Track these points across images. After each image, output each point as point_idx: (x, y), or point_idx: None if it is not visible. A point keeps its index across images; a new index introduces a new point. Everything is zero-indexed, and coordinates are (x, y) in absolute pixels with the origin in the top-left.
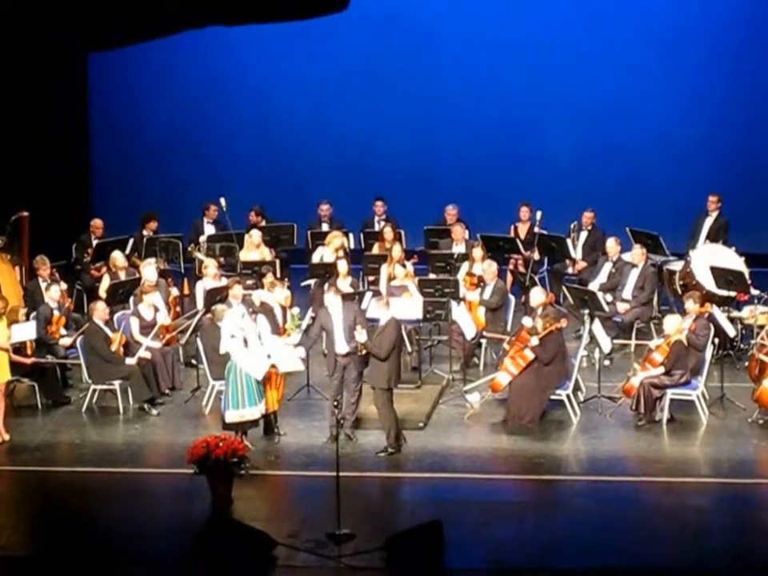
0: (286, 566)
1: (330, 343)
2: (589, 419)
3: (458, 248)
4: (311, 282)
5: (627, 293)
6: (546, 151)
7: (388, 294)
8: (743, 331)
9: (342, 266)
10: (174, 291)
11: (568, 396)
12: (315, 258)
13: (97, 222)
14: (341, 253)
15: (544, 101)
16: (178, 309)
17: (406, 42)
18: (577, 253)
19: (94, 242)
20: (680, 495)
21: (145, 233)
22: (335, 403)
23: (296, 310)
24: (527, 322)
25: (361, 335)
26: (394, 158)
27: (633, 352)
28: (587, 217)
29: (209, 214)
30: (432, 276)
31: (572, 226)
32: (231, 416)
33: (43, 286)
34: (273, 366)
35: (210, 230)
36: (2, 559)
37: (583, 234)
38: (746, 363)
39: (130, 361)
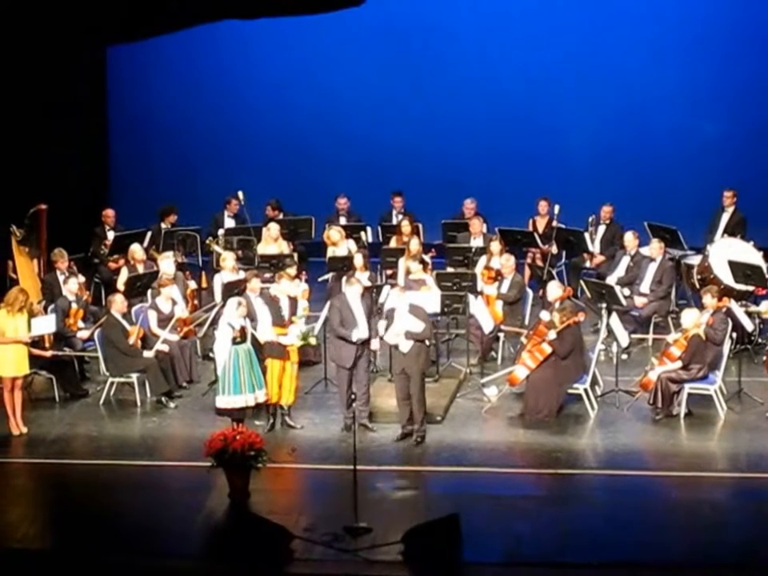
0: (302, 560)
1: (347, 334)
2: (606, 413)
3: (476, 242)
4: (329, 276)
5: (645, 287)
6: (565, 145)
7: (406, 287)
8: (761, 325)
9: (358, 260)
10: (192, 284)
11: (585, 390)
12: (330, 252)
13: (108, 212)
14: (352, 245)
15: (563, 95)
16: (195, 302)
17: (424, 37)
18: (595, 247)
19: (108, 233)
20: (697, 490)
21: (163, 226)
22: (353, 396)
23: (305, 304)
24: (545, 315)
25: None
26: (412, 150)
27: (650, 346)
28: (605, 211)
29: (230, 207)
30: (450, 270)
31: (590, 219)
32: (218, 402)
33: (61, 278)
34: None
35: (230, 223)
36: (19, 552)
37: (601, 228)
38: (764, 358)
39: (148, 354)
